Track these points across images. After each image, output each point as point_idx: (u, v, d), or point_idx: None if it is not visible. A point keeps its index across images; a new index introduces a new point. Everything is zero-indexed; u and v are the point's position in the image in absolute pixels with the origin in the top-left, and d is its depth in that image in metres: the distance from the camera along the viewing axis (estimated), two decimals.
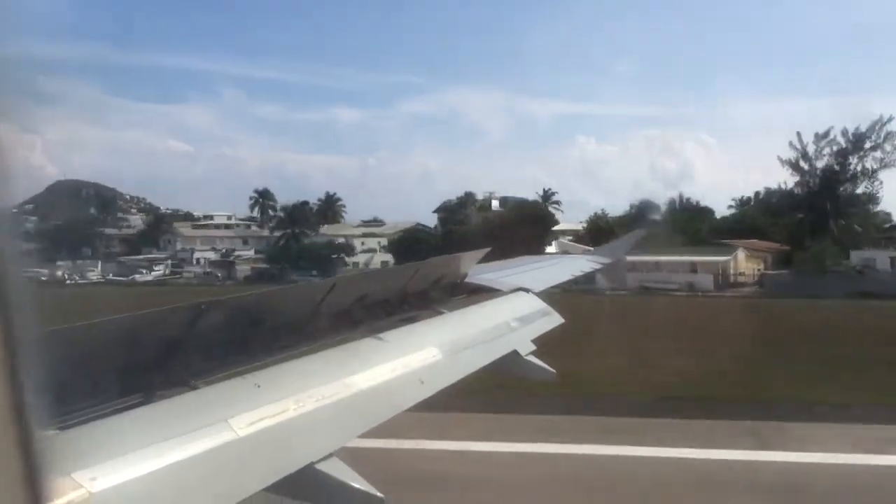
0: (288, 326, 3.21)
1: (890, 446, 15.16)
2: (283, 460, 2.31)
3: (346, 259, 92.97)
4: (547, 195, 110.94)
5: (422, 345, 3.56)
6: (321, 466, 2.38)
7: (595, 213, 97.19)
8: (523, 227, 79.26)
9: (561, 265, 7.75)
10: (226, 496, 2.05)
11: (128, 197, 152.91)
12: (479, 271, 5.29)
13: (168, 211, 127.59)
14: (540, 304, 5.27)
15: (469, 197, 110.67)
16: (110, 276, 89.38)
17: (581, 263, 8.50)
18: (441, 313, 4.24)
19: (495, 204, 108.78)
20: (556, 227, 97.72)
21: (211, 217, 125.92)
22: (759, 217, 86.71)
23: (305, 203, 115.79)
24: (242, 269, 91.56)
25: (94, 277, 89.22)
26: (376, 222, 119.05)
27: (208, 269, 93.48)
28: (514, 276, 5.72)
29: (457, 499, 12.64)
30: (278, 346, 3.09)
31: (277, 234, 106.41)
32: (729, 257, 73.64)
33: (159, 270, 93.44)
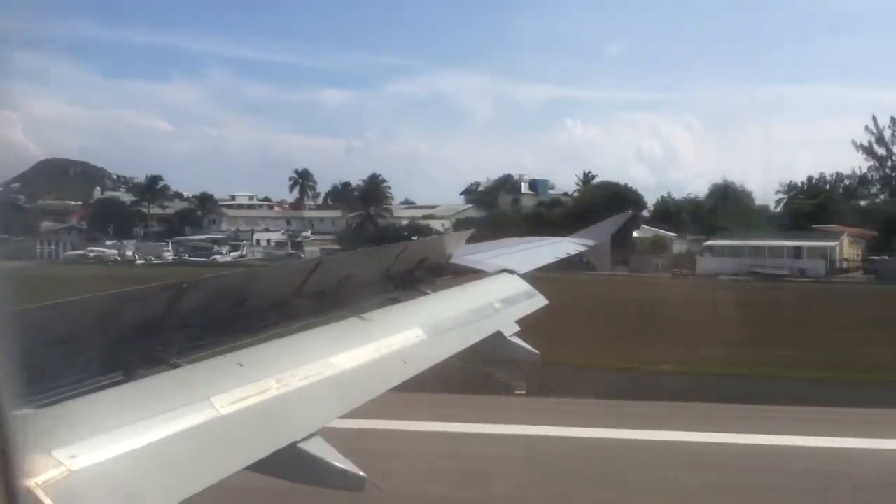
0: (271, 306, 3.21)
1: None
2: (266, 439, 2.31)
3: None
4: (588, 178, 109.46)
5: (405, 325, 3.57)
6: (304, 445, 2.38)
7: (662, 196, 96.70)
8: (613, 208, 78.43)
9: (545, 247, 7.77)
10: (208, 475, 2.05)
11: (115, 176, 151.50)
12: (463, 252, 5.29)
13: (192, 195, 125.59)
14: (524, 286, 5.29)
15: (507, 179, 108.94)
16: (185, 257, 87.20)
17: (566, 246, 8.52)
18: (425, 294, 4.25)
19: (525, 187, 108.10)
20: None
21: (233, 197, 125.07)
22: (839, 202, 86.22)
23: (347, 184, 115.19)
24: (310, 250, 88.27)
25: (170, 257, 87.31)
26: (407, 203, 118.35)
27: (291, 251, 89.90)
28: (498, 257, 5.73)
29: None
30: (261, 326, 3.09)
31: (352, 214, 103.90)
32: (835, 243, 73.23)
33: (239, 251, 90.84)
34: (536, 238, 9.14)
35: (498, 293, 4.85)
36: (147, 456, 1.96)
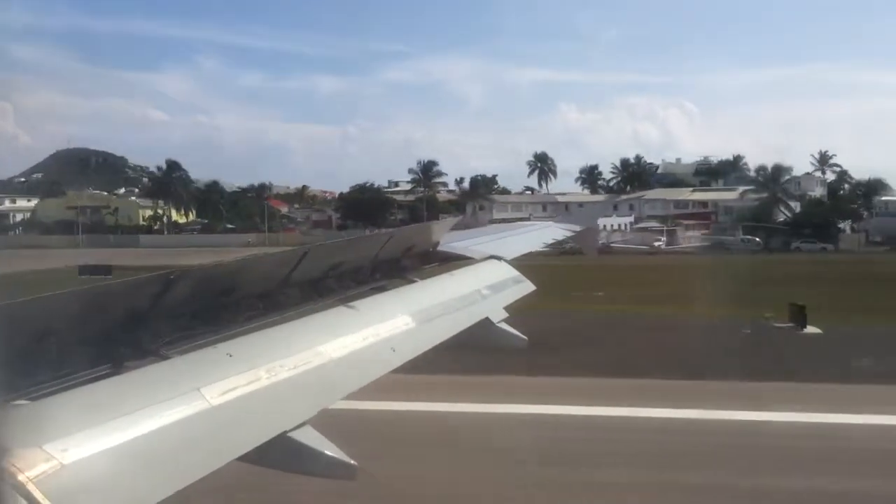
0: (260, 296, 3.20)
1: None
2: (256, 429, 2.32)
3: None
4: (824, 158, 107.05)
5: (393, 313, 3.57)
6: (294, 435, 2.39)
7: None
8: None
9: (533, 233, 7.78)
10: (199, 466, 2.05)
11: (133, 166, 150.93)
12: (450, 239, 5.30)
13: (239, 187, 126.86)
14: (512, 272, 5.31)
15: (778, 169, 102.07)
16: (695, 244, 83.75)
17: (552, 231, 8.54)
18: (413, 282, 4.25)
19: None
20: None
21: (396, 184, 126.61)
22: None
23: (595, 167, 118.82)
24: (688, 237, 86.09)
25: (660, 244, 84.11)
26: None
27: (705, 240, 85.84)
28: (485, 244, 5.74)
29: None
30: (250, 316, 3.08)
31: (753, 196, 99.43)
32: None
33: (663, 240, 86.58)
34: (523, 224, 9.15)
35: (485, 280, 4.86)
36: (138, 448, 1.96)
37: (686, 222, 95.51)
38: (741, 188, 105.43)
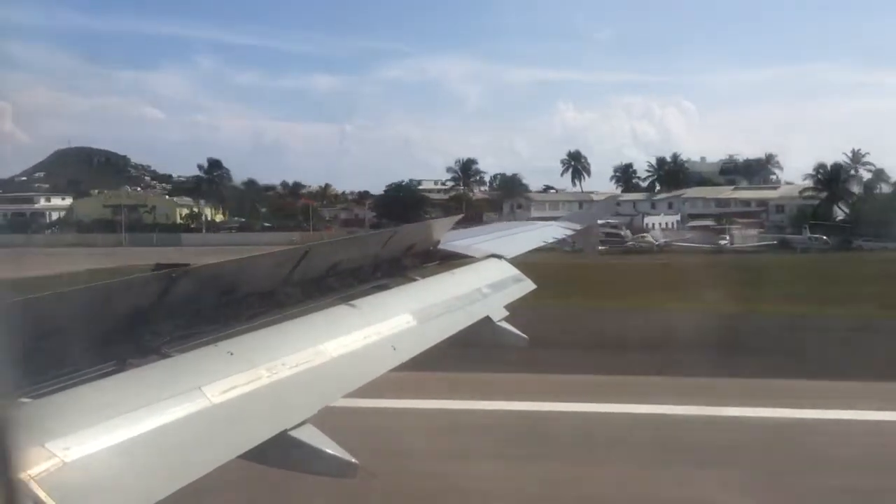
0: (261, 294, 3.21)
1: None
2: (258, 428, 2.33)
3: None
4: (857, 156, 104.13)
5: (394, 312, 3.58)
6: (295, 433, 2.40)
7: None
8: None
9: (533, 231, 7.78)
10: (200, 464, 2.06)
11: (135, 164, 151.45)
12: (451, 238, 5.30)
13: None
14: (512, 271, 5.31)
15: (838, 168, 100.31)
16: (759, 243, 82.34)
17: (553, 230, 8.54)
18: (414, 280, 4.26)
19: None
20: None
21: (419, 182, 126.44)
22: None
23: (629, 165, 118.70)
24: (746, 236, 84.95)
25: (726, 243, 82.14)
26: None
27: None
28: (486, 242, 5.74)
29: None
30: (251, 314, 3.09)
31: (809, 195, 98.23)
32: None
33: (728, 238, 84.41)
34: (524, 222, 9.15)
35: (486, 278, 4.86)
36: (140, 446, 1.97)
37: (742, 221, 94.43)
38: (788, 186, 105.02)
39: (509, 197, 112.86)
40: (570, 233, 9.05)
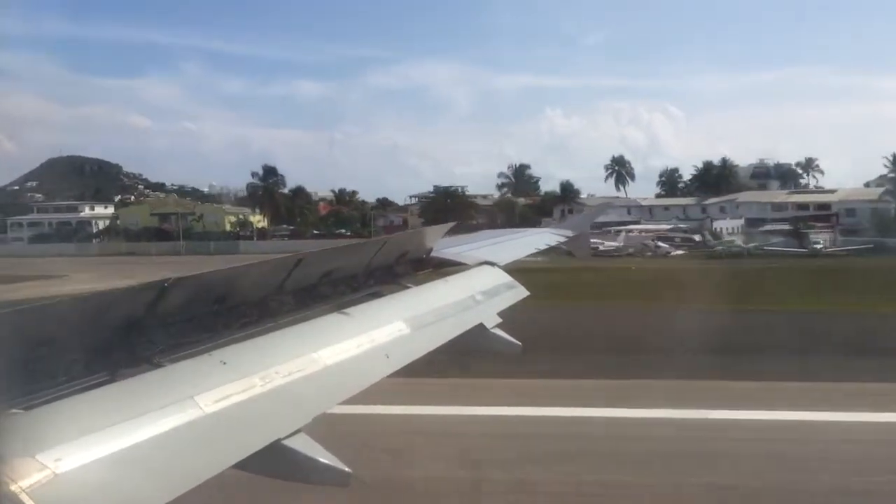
0: (253, 303, 3.20)
1: None
2: (251, 437, 2.32)
3: None
4: None
5: (387, 319, 3.58)
6: (289, 442, 2.39)
7: None
8: None
9: (525, 239, 7.80)
10: (193, 474, 2.05)
11: (127, 173, 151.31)
12: (444, 245, 5.31)
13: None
14: (505, 278, 5.31)
15: None
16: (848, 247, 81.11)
17: (545, 237, 8.56)
18: (407, 288, 4.26)
19: None
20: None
21: (465, 188, 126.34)
22: None
23: (675, 170, 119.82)
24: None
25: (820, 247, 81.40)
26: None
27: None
28: (479, 250, 5.75)
29: None
30: (244, 323, 3.08)
31: (887, 198, 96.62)
32: None
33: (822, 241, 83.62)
34: (516, 230, 9.16)
35: (479, 285, 4.87)
36: (132, 457, 1.96)
37: (818, 225, 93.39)
38: (846, 189, 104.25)
39: (561, 203, 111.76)
40: (562, 239, 9.08)
